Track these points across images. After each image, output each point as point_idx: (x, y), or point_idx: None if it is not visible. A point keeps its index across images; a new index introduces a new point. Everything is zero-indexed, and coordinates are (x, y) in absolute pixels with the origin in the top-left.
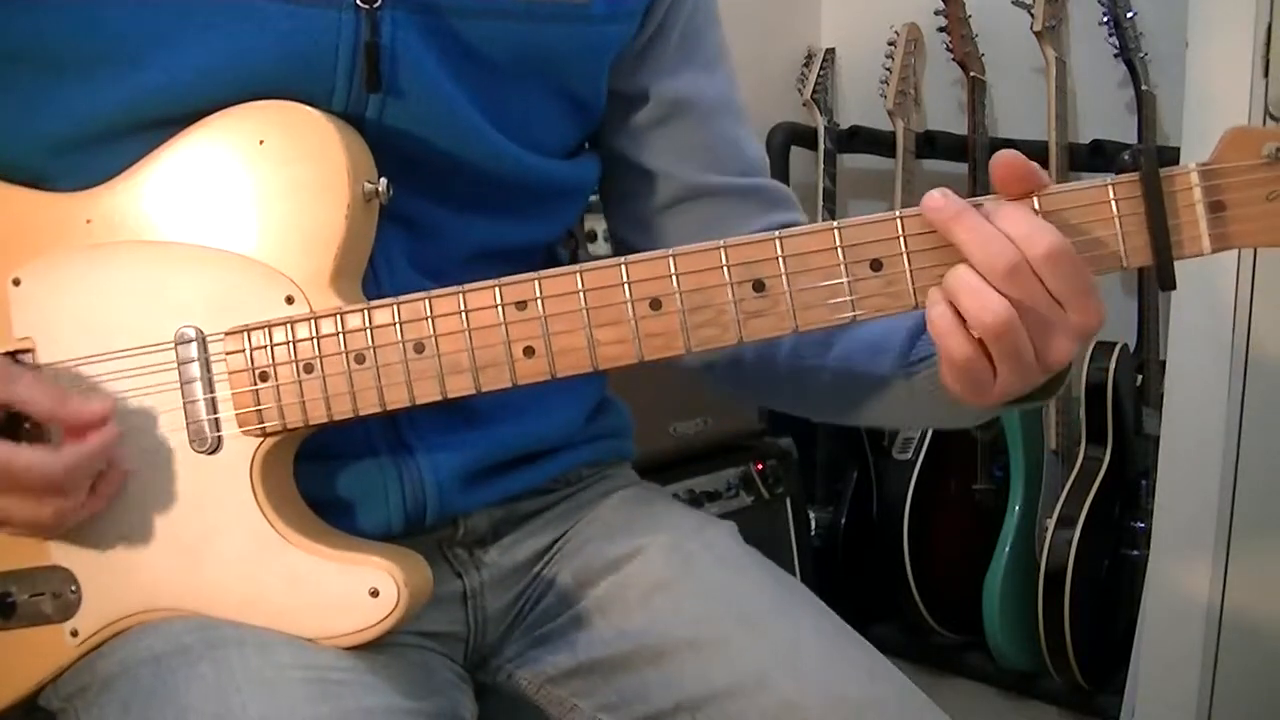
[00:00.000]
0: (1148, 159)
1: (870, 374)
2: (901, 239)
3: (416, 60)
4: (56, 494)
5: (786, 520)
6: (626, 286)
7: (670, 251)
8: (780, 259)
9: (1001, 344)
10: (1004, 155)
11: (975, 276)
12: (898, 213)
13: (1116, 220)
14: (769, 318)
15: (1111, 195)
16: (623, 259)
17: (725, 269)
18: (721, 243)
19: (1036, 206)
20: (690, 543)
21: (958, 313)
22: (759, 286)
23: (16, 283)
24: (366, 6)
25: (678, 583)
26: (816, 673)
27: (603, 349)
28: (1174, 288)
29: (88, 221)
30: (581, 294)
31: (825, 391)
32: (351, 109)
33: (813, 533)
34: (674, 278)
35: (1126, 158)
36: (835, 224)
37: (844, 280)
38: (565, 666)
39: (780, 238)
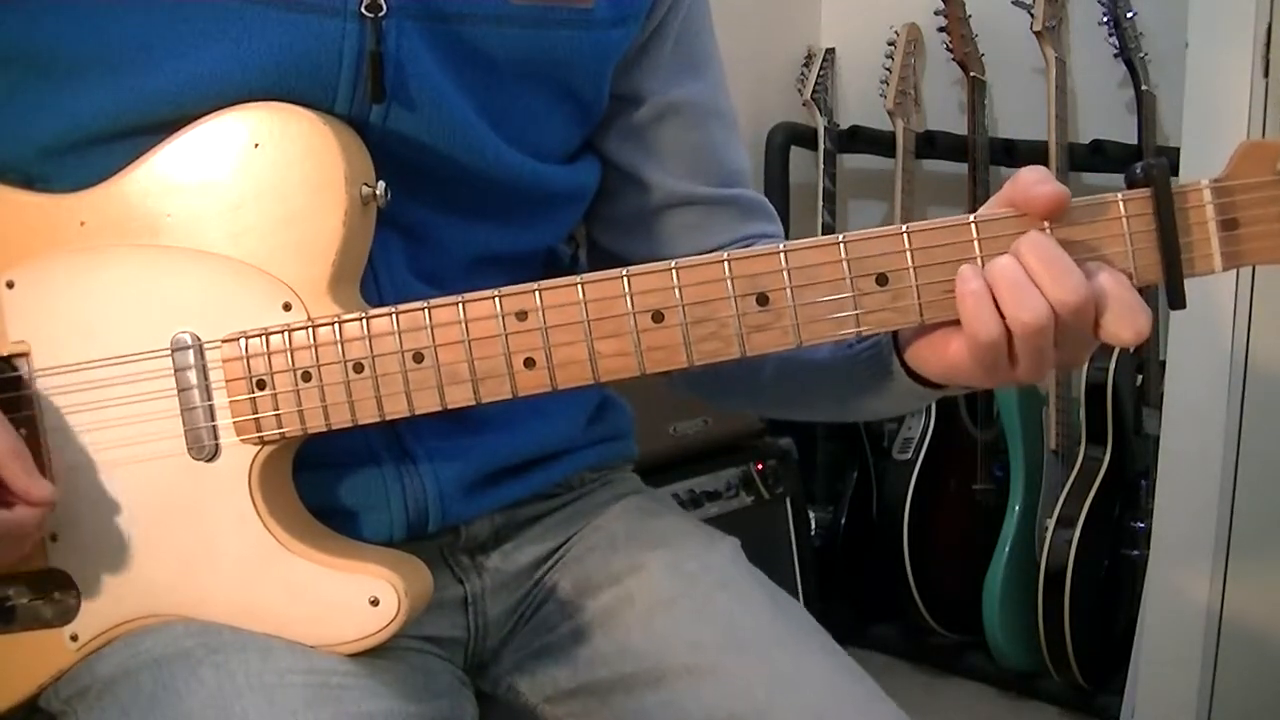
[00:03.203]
0: (1160, 176)
1: (810, 360)
2: (908, 253)
3: (421, 69)
4: None
5: (786, 520)
6: (628, 298)
7: (673, 263)
8: (785, 272)
9: (1029, 343)
10: (1059, 194)
11: (1020, 271)
12: (904, 227)
13: (1127, 237)
14: (772, 331)
15: (1122, 211)
16: (625, 270)
17: (728, 281)
18: (725, 255)
19: (1047, 222)
20: (692, 563)
21: (992, 296)
22: (763, 300)
23: (10, 285)
24: (371, 16)
25: (678, 605)
26: (814, 704)
27: (604, 361)
28: (1184, 307)
29: (81, 224)
30: (583, 305)
31: (770, 385)
32: (354, 117)
33: (813, 533)
34: (677, 289)
35: (1138, 171)
36: (840, 237)
37: (849, 294)
38: (565, 686)
39: (785, 251)
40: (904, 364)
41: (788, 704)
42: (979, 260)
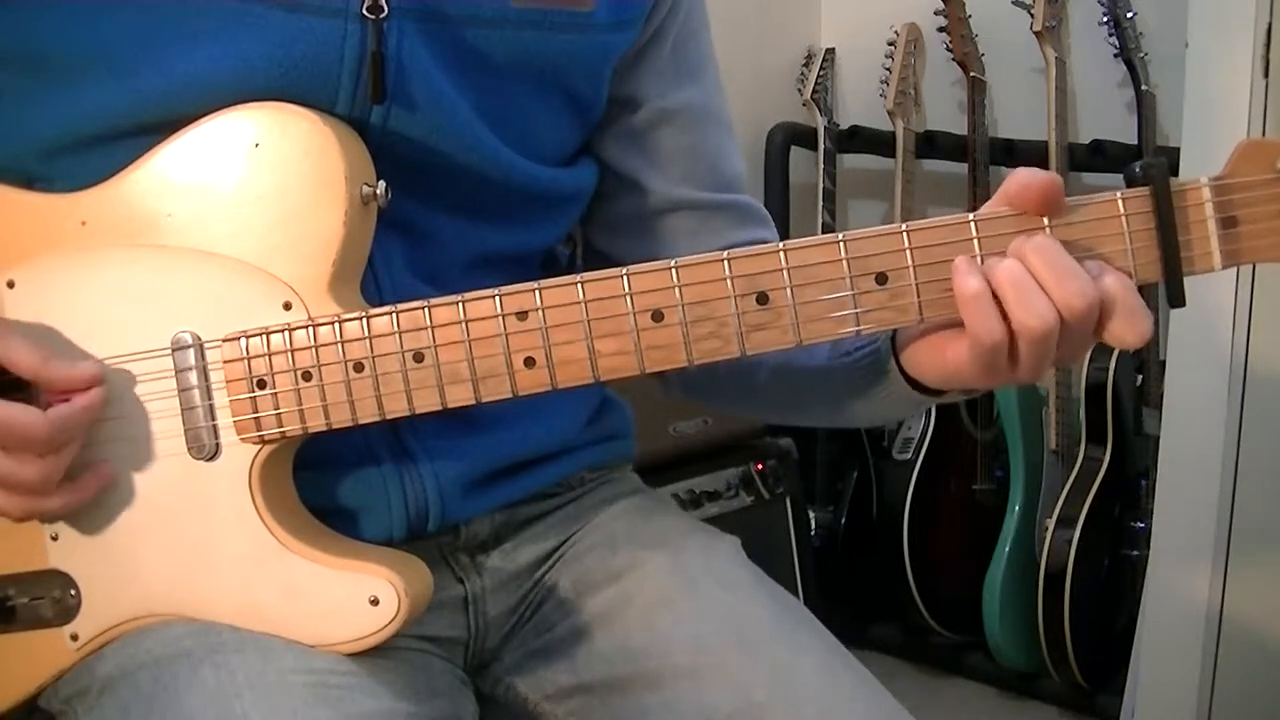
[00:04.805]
0: (1160, 175)
1: (806, 365)
2: (908, 251)
3: (422, 70)
4: (38, 454)
5: (786, 520)
6: (628, 297)
7: (673, 262)
8: (784, 271)
9: (1034, 347)
10: (1050, 183)
11: (1025, 275)
12: (903, 225)
13: (1126, 236)
14: (772, 330)
15: (1121, 210)
16: (624, 269)
17: (728, 280)
18: (725, 254)
19: (1046, 221)
20: (693, 563)
21: (993, 293)
22: (762, 299)
23: (11, 285)
24: (372, 17)
25: (678, 604)
26: (813, 702)
27: (604, 360)
28: (1184, 305)
29: (82, 224)
30: (583, 304)
31: (765, 388)
32: (355, 118)
33: (813, 533)
34: (676, 289)
35: (1137, 170)
36: (840, 236)
37: (848, 293)
38: (565, 685)
39: (784, 250)
40: (901, 370)
41: (788, 703)
42: (979, 259)
